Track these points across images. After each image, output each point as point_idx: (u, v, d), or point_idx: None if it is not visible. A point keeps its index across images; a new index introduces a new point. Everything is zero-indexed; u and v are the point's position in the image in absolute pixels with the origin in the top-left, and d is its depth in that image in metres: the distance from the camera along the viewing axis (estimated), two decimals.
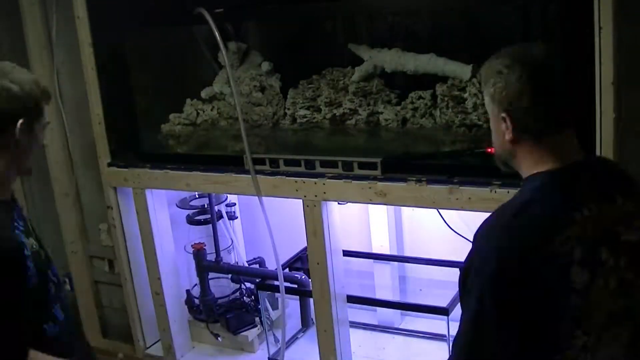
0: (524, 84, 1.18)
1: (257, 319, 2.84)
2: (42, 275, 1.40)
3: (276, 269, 2.48)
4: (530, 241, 1.13)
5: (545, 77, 1.19)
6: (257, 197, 2.33)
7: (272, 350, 2.72)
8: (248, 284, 2.86)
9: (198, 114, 2.65)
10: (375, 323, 2.86)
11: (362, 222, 2.83)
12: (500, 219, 1.19)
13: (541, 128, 1.20)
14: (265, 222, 2.38)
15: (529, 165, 1.22)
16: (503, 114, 1.20)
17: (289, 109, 2.44)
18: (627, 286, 1.15)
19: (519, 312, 1.14)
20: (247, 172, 2.32)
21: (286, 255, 2.77)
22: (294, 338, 2.81)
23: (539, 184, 1.19)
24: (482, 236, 1.19)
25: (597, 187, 1.20)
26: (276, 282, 2.60)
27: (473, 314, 1.16)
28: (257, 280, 2.76)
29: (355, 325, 2.80)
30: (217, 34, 2.23)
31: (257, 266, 2.97)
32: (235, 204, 3.01)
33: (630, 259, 1.16)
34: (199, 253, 2.82)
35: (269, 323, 2.77)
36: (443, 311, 2.26)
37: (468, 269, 1.18)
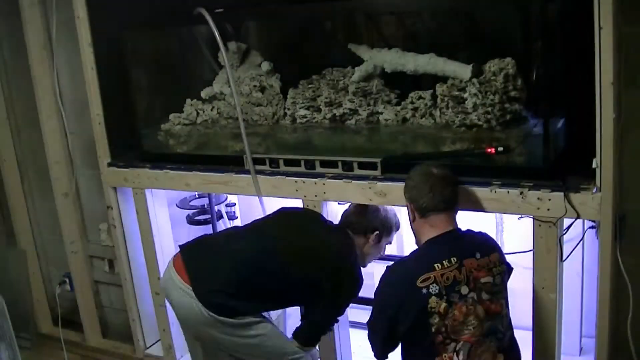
0: (420, 186, 1.84)
1: None
2: None
3: None
4: (402, 283, 1.76)
5: (433, 183, 1.83)
6: (257, 197, 2.33)
7: None
8: None
9: (198, 114, 2.65)
10: None
11: None
12: (389, 270, 1.82)
13: (428, 210, 1.83)
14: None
15: (421, 237, 1.85)
16: (407, 203, 1.87)
17: (289, 109, 2.43)
18: (491, 313, 1.74)
19: (405, 331, 1.75)
20: (247, 172, 2.32)
21: None
22: None
23: (418, 248, 1.86)
24: (380, 280, 1.83)
25: (461, 247, 1.78)
26: None
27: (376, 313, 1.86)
28: None
29: (355, 325, 2.79)
30: (217, 34, 2.23)
31: None
32: (235, 204, 3.01)
33: (489, 294, 1.75)
34: None
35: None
36: None
37: (375, 299, 1.86)
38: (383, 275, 1.82)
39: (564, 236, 1.91)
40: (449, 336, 1.71)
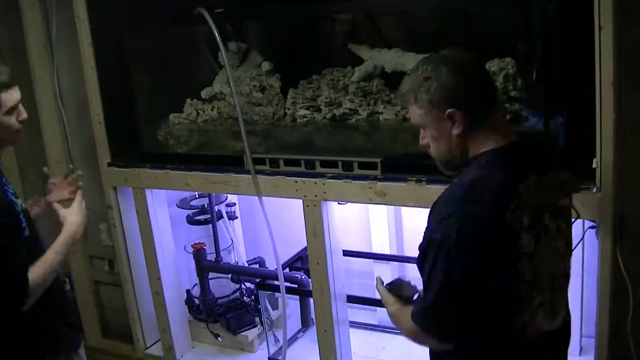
0: (454, 77, 1.31)
1: (257, 319, 2.84)
2: (32, 227, 1.81)
3: (276, 269, 2.48)
4: (484, 214, 1.25)
5: (465, 66, 1.34)
6: (257, 197, 2.33)
7: (272, 350, 2.72)
8: (248, 284, 2.86)
9: (198, 114, 2.65)
10: (375, 323, 2.87)
11: (362, 222, 2.83)
12: (454, 196, 1.29)
13: (482, 109, 1.33)
14: (266, 222, 2.38)
15: (474, 149, 1.35)
16: (449, 110, 1.31)
17: (289, 109, 2.44)
18: (568, 247, 1.38)
19: (482, 279, 1.26)
20: (247, 172, 2.32)
21: (286, 255, 2.77)
22: (294, 338, 2.81)
23: (484, 162, 1.32)
24: (438, 212, 1.30)
25: (533, 161, 1.35)
26: (276, 282, 2.60)
27: (439, 285, 1.27)
28: (257, 280, 2.76)
29: (355, 325, 2.80)
30: (216, 34, 2.23)
31: (257, 266, 2.97)
32: (235, 204, 3.01)
33: (567, 222, 1.38)
34: (199, 253, 2.82)
35: (269, 323, 2.77)
36: None
37: (430, 243, 1.29)
38: (440, 210, 1.31)
39: None
40: (535, 286, 1.31)
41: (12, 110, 1.71)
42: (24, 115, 1.76)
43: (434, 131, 1.37)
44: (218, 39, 2.23)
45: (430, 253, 1.28)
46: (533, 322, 1.33)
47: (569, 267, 1.42)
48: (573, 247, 1.62)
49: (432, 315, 1.33)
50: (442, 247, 1.25)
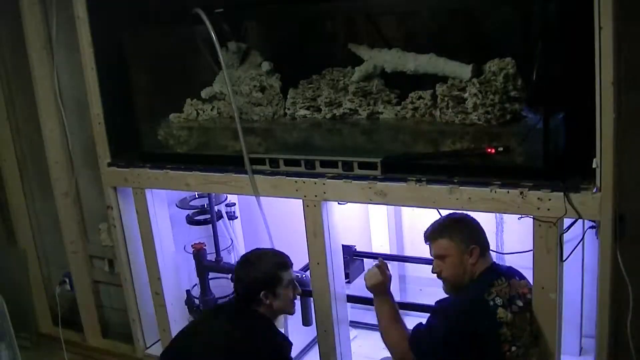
0: (475, 226, 2.04)
1: None
2: None
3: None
4: (471, 302, 1.95)
5: (476, 222, 2.06)
6: (256, 197, 2.33)
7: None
8: None
9: (198, 114, 2.65)
10: (375, 323, 2.86)
11: (362, 222, 2.82)
12: (462, 300, 2.00)
13: (486, 247, 2.05)
14: (264, 222, 2.38)
15: (473, 272, 2.00)
16: (473, 246, 1.99)
17: (289, 109, 2.43)
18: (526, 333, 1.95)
19: (475, 346, 1.88)
20: (246, 172, 2.32)
21: (288, 254, 2.76)
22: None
23: (474, 279, 2.00)
24: (447, 302, 2.03)
25: (504, 271, 2.03)
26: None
27: (437, 335, 1.92)
28: None
29: (355, 325, 2.80)
30: (213, 34, 2.22)
31: None
32: (235, 204, 3.01)
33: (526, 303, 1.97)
34: (199, 253, 2.82)
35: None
36: None
37: (437, 311, 2.00)
38: (445, 308, 1.97)
39: (564, 236, 1.91)
40: (514, 343, 1.88)
41: (289, 284, 2.09)
42: (299, 290, 2.15)
43: (456, 261, 2.00)
44: (215, 39, 2.23)
45: (435, 316, 1.98)
46: None
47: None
48: (567, 255, 1.95)
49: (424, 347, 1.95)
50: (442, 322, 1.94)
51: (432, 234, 2.03)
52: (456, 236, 1.99)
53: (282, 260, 2.10)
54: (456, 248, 1.98)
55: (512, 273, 2.03)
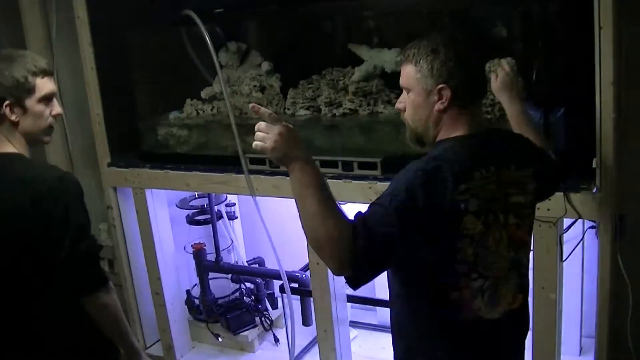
0: (458, 60, 1.37)
1: (257, 319, 2.84)
2: None
3: (277, 269, 2.48)
4: (434, 187, 1.30)
5: (471, 57, 1.40)
6: (256, 197, 2.33)
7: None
8: (248, 284, 2.86)
9: (198, 114, 2.65)
10: (375, 323, 2.87)
11: None
12: (414, 164, 1.34)
13: (469, 95, 1.39)
14: (262, 222, 2.37)
15: (445, 132, 1.41)
16: (441, 85, 1.36)
17: (289, 109, 2.43)
18: (515, 241, 1.40)
19: (420, 232, 1.30)
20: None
21: (287, 255, 2.77)
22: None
23: (451, 144, 1.39)
24: (398, 178, 1.34)
25: (498, 153, 1.40)
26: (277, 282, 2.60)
27: (383, 209, 1.27)
28: (258, 280, 2.76)
29: (355, 325, 2.80)
30: (206, 35, 2.20)
31: (257, 266, 2.97)
32: (235, 204, 3.01)
33: (517, 217, 1.40)
34: (199, 253, 2.83)
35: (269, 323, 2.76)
36: None
37: (385, 194, 1.31)
38: (408, 171, 1.34)
39: (564, 236, 1.91)
40: (477, 269, 1.35)
41: (45, 99, 1.61)
42: (58, 109, 1.65)
43: (419, 98, 1.41)
44: (208, 40, 2.21)
45: (383, 196, 1.31)
46: (470, 304, 1.36)
47: (523, 263, 1.45)
48: (567, 255, 1.79)
49: (369, 223, 1.26)
50: (393, 200, 1.28)
51: (403, 54, 1.44)
52: (425, 64, 1.37)
53: (41, 65, 1.60)
54: (420, 81, 1.39)
55: (508, 155, 1.42)
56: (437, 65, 1.36)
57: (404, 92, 1.44)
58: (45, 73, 1.61)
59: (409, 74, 1.41)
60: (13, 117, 1.56)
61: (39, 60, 1.61)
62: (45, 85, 1.60)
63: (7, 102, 1.55)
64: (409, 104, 1.43)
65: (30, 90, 1.57)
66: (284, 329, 2.70)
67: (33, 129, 1.60)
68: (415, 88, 1.40)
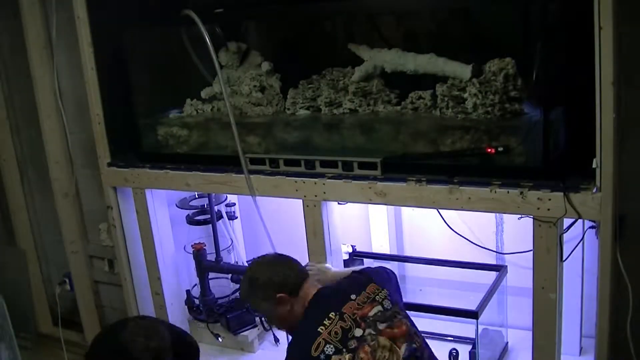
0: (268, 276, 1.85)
1: (257, 319, 2.84)
2: None
3: None
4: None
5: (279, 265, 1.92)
6: (256, 197, 2.33)
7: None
8: None
9: (198, 114, 2.65)
10: None
11: (362, 222, 2.82)
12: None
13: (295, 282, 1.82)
14: (262, 222, 2.38)
15: (299, 311, 1.80)
16: (278, 295, 1.77)
17: (289, 109, 2.43)
18: (399, 336, 1.74)
19: None
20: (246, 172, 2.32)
21: (287, 254, 2.76)
22: None
23: (300, 322, 1.78)
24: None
25: (334, 299, 1.78)
26: None
27: None
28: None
29: None
30: (205, 35, 2.21)
31: None
32: (235, 204, 3.01)
33: (386, 320, 1.75)
34: (199, 253, 2.83)
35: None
36: (473, 314, 2.22)
37: None
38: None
39: (564, 236, 1.91)
40: None
41: None
42: None
43: (273, 315, 1.86)
44: (207, 39, 2.21)
45: None
46: None
47: (415, 343, 1.78)
48: (567, 255, 1.88)
49: None
50: None
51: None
52: (256, 297, 1.83)
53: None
54: (265, 307, 1.83)
55: (343, 290, 1.80)
56: (264, 284, 1.83)
57: None
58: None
59: (255, 309, 1.93)
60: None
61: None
62: None
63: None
64: (273, 322, 1.99)
65: None
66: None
67: None
68: (266, 313, 1.93)
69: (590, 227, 1.98)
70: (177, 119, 2.65)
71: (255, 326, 2.84)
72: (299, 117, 2.40)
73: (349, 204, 2.29)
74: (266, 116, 2.48)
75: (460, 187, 1.96)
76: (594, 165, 1.77)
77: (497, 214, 2.53)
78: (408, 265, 2.82)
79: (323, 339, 1.67)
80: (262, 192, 2.32)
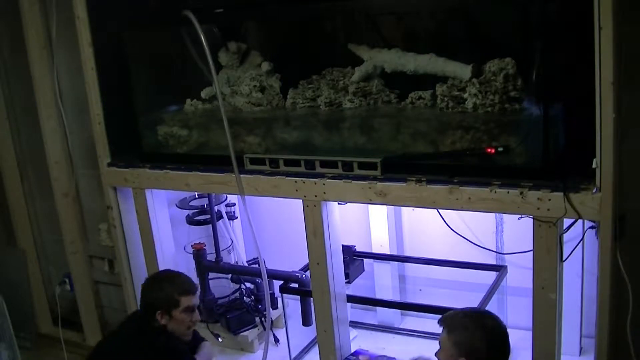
0: (483, 343, 1.71)
1: (257, 319, 2.84)
2: None
3: (278, 269, 2.48)
4: None
5: (495, 337, 1.75)
6: (256, 197, 2.33)
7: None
8: (248, 284, 2.86)
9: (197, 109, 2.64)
10: (375, 323, 2.87)
11: (362, 222, 2.83)
12: None
13: None
14: (249, 222, 2.37)
15: None
16: (462, 358, 1.71)
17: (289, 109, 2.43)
18: None
19: None
20: (247, 172, 2.32)
21: (287, 255, 2.77)
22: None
23: None
24: None
25: None
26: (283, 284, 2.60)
27: None
28: (258, 280, 2.75)
29: (355, 325, 2.80)
30: (202, 36, 2.20)
31: (257, 266, 2.97)
32: (235, 204, 3.01)
33: None
34: (199, 253, 2.83)
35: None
36: None
37: None
38: None
39: (564, 236, 1.91)
40: None
41: (187, 310, 2.11)
42: (197, 317, 2.17)
43: (444, 356, 1.76)
44: (204, 41, 2.21)
45: None
46: None
47: None
48: (567, 255, 1.90)
49: None
50: None
51: (446, 321, 1.81)
52: (454, 336, 1.75)
53: (186, 287, 2.15)
54: (451, 346, 1.75)
55: None
56: (465, 344, 1.72)
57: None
58: (189, 293, 2.13)
59: (443, 338, 1.77)
60: (163, 321, 2.09)
61: (185, 282, 2.17)
62: (188, 302, 2.11)
63: (159, 311, 2.09)
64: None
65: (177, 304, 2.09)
66: (284, 329, 2.71)
67: (178, 330, 2.12)
68: (444, 350, 1.76)
69: (590, 227, 1.98)
70: (177, 114, 2.64)
71: (255, 326, 2.84)
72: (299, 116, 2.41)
73: (349, 204, 2.29)
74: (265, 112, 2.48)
75: (460, 187, 1.96)
76: (594, 166, 1.77)
77: (497, 214, 2.53)
78: (408, 265, 2.83)
79: None
80: (262, 192, 2.32)
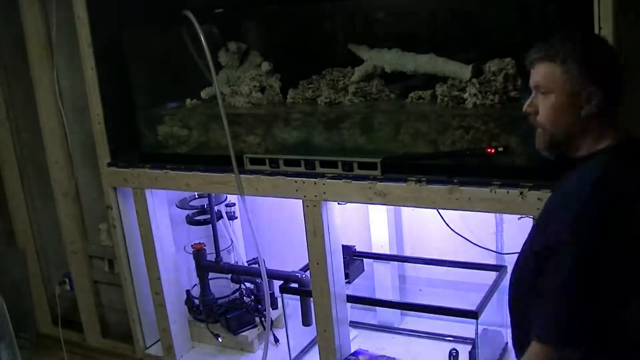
0: (612, 58, 1.32)
1: (257, 319, 2.84)
2: None
3: (278, 269, 2.47)
4: (615, 213, 1.20)
5: (619, 56, 1.38)
6: (256, 197, 2.33)
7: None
8: (248, 284, 2.86)
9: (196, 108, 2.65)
10: (375, 323, 2.87)
11: (362, 222, 2.83)
12: (579, 197, 1.24)
13: (617, 101, 1.32)
14: (250, 222, 2.37)
15: (593, 141, 1.32)
16: (592, 88, 1.27)
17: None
18: None
19: (621, 276, 1.20)
20: (247, 172, 2.32)
21: (287, 255, 2.77)
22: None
23: (605, 161, 1.29)
24: (559, 214, 1.25)
25: None
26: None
27: (579, 286, 1.18)
28: (258, 280, 2.75)
29: (355, 325, 2.80)
30: (201, 36, 2.20)
31: (257, 266, 2.96)
32: (235, 204, 3.01)
33: None
34: (199, 253, 2.83)
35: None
36: (473, 315, 2.21)
37: (556, 247, 1.22)
38: (575, 219, 1.22)
39: None
40: None
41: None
42: None
43: (562, 101, 1.30)
44: (203, 40, 2.21)
45: (558, 256, 1.21)
46: None
47: None
48: None
49: (576, 320, 1.19)
50: (575, 247, 1.18)
51: (543, 52, 1.35)
52: (575, 64, 1.28)
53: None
54: (567, 82, 1.29)
55: None
56: (592, 67, 1.28)
57: (536, 94, 1.34)
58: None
59: (548, 72, 1.31)
60: None
61: None
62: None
63: None
64: (548, 106, 1.32)
65: None
66: (284, 329, 2.70)
67: None
68: (556, 90, 1.30)
69: None
70: (177, 114, 2.64)
71: (255, 326, 2.84)
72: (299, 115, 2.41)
73: (348, 203, 2.29)
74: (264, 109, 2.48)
75: (460, 187, 1.96)
76: None
77: (497, 214, 2.53)
78: (408, 265, 2.83)
79: None
80: (262, 192, 2.32)
